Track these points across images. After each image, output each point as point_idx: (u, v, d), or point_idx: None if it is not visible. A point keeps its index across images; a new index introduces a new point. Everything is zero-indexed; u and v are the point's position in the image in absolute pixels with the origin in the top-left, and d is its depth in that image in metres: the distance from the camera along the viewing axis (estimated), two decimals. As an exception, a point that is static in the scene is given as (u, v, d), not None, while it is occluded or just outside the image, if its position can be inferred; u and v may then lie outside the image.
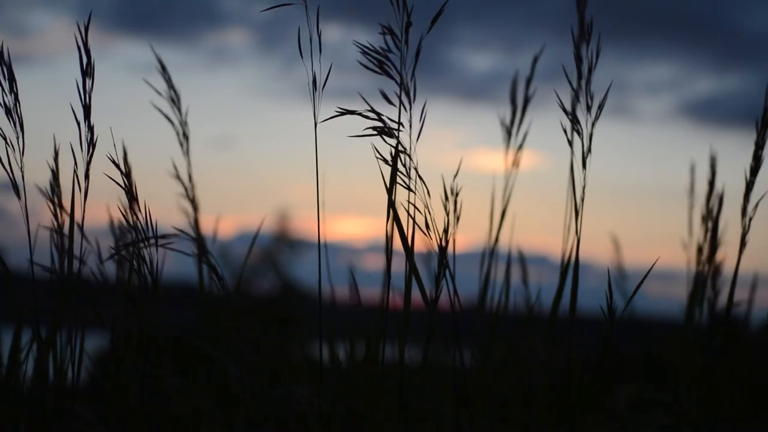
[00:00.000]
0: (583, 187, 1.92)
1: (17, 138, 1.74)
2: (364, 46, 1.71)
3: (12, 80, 1.71)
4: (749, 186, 2.09)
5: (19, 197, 1.76)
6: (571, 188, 2.36)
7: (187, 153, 2.41)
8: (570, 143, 1.92)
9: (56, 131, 1.80)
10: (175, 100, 2.37)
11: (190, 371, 2.35)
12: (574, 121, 1.90)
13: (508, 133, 2.48)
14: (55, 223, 1.84)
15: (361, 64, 1.71)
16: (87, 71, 1.72)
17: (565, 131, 1.91)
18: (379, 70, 1.72)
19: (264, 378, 2.41)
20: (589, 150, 1.91)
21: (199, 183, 2.44)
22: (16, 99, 1.72)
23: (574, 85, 1.92)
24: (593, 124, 1.90)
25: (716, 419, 2.45)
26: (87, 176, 1.75)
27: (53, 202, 1.83)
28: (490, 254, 2.48)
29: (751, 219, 2.10)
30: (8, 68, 1.71)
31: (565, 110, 1.90)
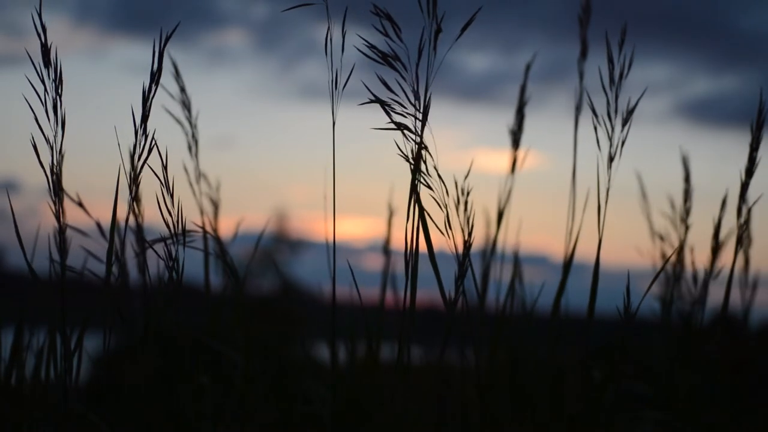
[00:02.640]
0: (608, 190, 1.96)
1: (54, 136, 1.75)
2: (367, 40, 1.71)
3: (59, 81, 1.74)
4: (744, 187, 2.12)
5: (56, 195, 1.77)
6: (572, 189, 2.41)
7: (196, 156, 2.44)
8: (598, 145, 1.95)
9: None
10: (186, 104, 2.40)
11: (196, 370, 2.37)
12: (605, 123, 1.93)
13: (515, 137, 2.51)
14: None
15: (365, 55, 1.72)
16: (155, 77, 1.74)
17: (596, 133, 1.94)
18: (383, 62, 1.72)
19: (270, 378, 2.42)
20: (620, 153, 1.95)
21: (202, 182, 2.46)
22: (60, 98, 1.74)
23: (605, 88, 1.95)
24: (626, 129, 1.94)
25: (709, 418, 2.47)
26: (139, 178, 1.77)
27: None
28: (489, 254, 2.50)
29: (746, 220, 2.13)
30: (56, 70, 1.73)
31: (595, 113, 1.94)
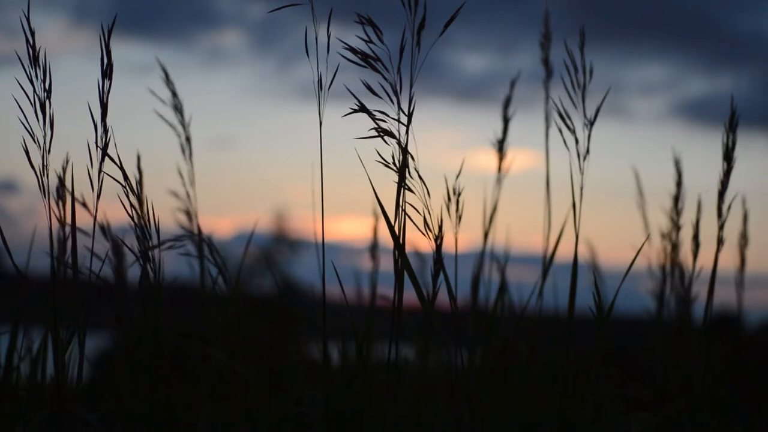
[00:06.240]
0: (581, 188, 1.97)
1: (44, 136, 1.78)
2: (347, 43, 1.72)
3: (48, 81, 1.76)
4: (723, 186, 2.13)
5: (46, 195, 1.79)
6: (546, 189, 2.43)
7: (190, 158, 2.46)
8: (567, 148, 1.97)
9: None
10: (179, 108, 2.42)
11: (191, 371, 2.38)
12: (570, 125, 1.95)
13: (499, 144, 2.55)
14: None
15: (349, 60, 1.73)
16: (106, 72, 1.76)
17: (562, 135, 1.96)
18: (364, 64, 1.73)
19: (264, 378, 2.43)
20: (587, 152, 1.96)
21: (197, 183, 2.48)
22: (48, 99, 1.76)
23: (570, 90, 1.97)
24: (590, 128, 1.96)
25: (704, 418, 2.48)
26: (100, 176, 1.78)
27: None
28: (480, 254, 2.52)
29: (725, 219, 2.14)
30: (44, 71, 1.76)
31: (561, 116, 1.95)
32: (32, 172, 1.77)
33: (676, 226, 2.67)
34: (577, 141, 1.98)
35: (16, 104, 1.74)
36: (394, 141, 1.75)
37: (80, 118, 1.80)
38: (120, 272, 2.10)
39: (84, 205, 2.07)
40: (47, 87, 1.75)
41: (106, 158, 1.78)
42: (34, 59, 1.74)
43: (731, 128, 2.10)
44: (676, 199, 2.67)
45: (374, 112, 1.74)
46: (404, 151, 1.75)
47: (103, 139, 1.77)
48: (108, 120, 1.78)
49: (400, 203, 1.77)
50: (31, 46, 1.74)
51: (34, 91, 1.75)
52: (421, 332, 2.44)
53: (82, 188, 1.85)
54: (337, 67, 1.74)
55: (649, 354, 2.75)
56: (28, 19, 1.73)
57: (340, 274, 1.85)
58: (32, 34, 1.73)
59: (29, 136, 1.75)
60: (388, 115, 1.74)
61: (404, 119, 1.75)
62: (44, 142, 1.77)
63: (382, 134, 1.74)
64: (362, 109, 1.73)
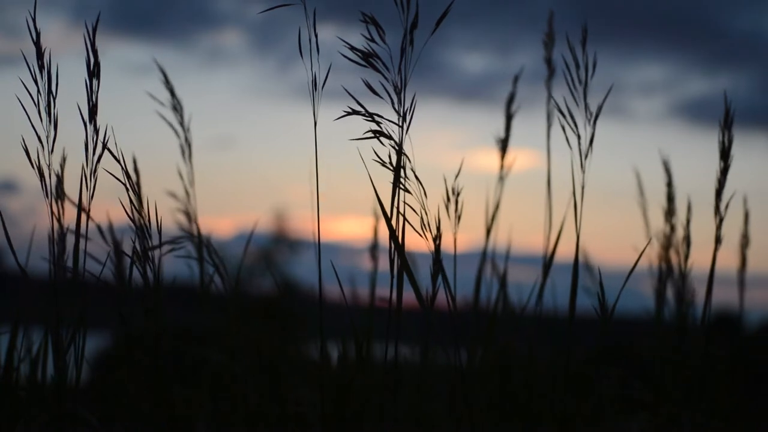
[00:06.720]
0: (582, 186, 1.97)
1: (47, 137, 1.78)
2: (348, 42, 1.73)
3: (53, 82, 1.77)
4: (720, 185, 2.14)
5: (48, 195, 1.79)
6: (547, 188, 2.44)
7: (189, 159, 2.46)
8: (569, 145, 1.97)
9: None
10: (178, 109, 2.42)
11: (190, 371, 2.38)
12: (572, 121, 1.95)
13: (502, 144, 2.56)
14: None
15: (348, 58, 1.73)
16: (93, 71, 1.77)
17: (564, 132, 1.96)
18: (365, 64, 1.74)
19: (264, 378, 2.44)
20: (589, 149, 1.97)
21: (197, 183, 2.49)
22: (53, 100, 1.76)
23: (572, 88, 1.97)
24: (593, 123, 1.96)
25: (704, 418, 2.48)
26: (94, 176, 1.78)
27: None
28: (482, 254, 2.52)
29: (723, 218, 2.15)
30: (49, 72, 1.76)
31: (562, 113, 1.95)
32: (32, 172, 1.77)
33: (671, 226, 2.69)
34: (579, 137, 1.98)
35: (16, 104, 1.75)
36: (390, 141, 1.75)
37: (78, 119, 1.80)
38: (120, 273, 2.10)
39: (80, 206, 2.08)
40: (52, 87, 1.76)
41: (103, 158, 1.78)
42: (40, 60, 1.74)
43: (726, 126, 2.11)
44: (670, 199, 2.68)
45: (370, 113, 1.74)
46: (399, 151, 1.76)
47: (93, 140, 1.77)
48: (103, 120, 1.78)
49: (396, 204, 1.78)
50: (37, 47, 1.74)
51: (38, 91, 1.76)
52: (420, 332, 2.44)
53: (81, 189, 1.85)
54: (329, 66, 1.74)
55: (649, 354, 2.75)
56: (34, 20, 1.73)
57: (339, 275, 1.85)
58: (38, 34, 1.74)
59: (32, 135, 1.76)
60: (382, 117, 1.75)
61: (400, 119, 1.75)
62: (47, 143, 1.77)
63: (377, 135, 1.75)
64: (356, 111, 1.74)
